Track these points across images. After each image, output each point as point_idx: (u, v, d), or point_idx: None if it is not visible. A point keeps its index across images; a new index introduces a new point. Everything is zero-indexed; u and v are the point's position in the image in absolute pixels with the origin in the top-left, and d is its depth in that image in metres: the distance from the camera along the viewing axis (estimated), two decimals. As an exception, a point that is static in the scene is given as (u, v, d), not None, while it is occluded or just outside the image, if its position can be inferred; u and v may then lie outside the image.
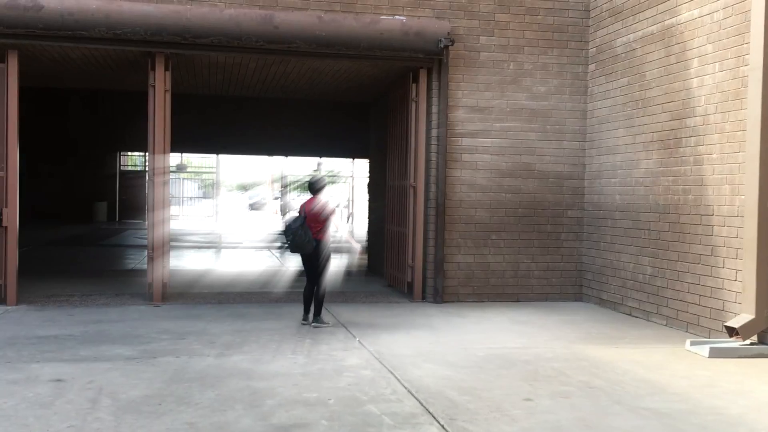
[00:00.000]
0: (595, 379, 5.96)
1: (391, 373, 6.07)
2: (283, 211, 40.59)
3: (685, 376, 6.16)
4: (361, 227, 30.16)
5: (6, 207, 9.14)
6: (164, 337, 7.43)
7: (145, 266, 14.74)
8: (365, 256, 14.50)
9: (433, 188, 10.13)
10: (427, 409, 5.05)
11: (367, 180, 14.67)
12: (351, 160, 37.68)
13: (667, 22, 8.69)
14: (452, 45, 9.81)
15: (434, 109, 10.12)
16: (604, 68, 10.03)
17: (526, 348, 7.19)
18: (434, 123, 10.12)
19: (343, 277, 12.91)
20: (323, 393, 5.43)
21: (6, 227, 9.15)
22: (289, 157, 38.71)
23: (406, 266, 10.45)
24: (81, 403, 5.11)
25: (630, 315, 9.24)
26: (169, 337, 7.40)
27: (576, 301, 10.44)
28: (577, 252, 10.51)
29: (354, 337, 7.59)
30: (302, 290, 8.50)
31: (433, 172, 10.13)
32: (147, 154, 9.81)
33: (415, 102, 10.26)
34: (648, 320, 8.88)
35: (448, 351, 6.97)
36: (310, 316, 8.31)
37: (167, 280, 9.77)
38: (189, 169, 42.67)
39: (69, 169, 30.38)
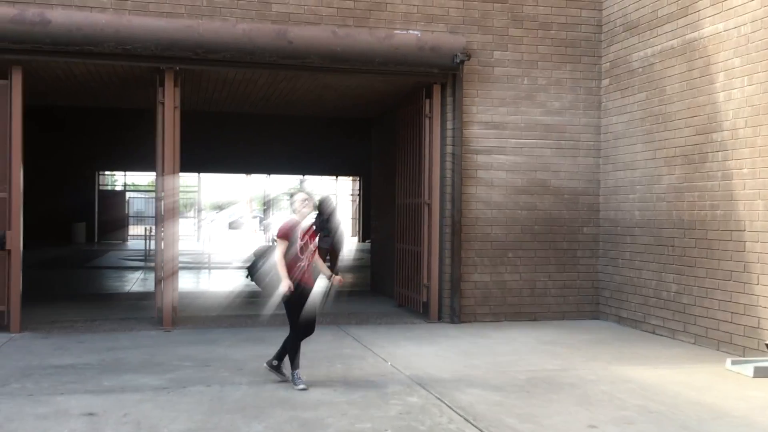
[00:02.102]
0: (650, 403, 5.75)
1: (439, 399, 5.81)
2: (266, 230, 40.20)
3: (739, 398, 5.99)
4: (349, 246, 29.88)
5: (9, 230, 8.76)
6: (186, 364, 7.11)
7: (141, 288, 14.44)
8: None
9: (448, 206, 9.93)
10: (492, 439, 4.82)
11: (372, 198, 14.38)
12: (334, 177, 37.47)
13: (688, 36, 8.60)
14: (468, 60, 9.65)
15: (449, 125, 9.93)
16: (619, 83, 9.93)
17: (566, 370, 6.98)
18: (449, 139, 9.93)
19: (346, 298, 12.64)
20: (377, 423, 5.17)
21: (9, 251, 8.76)
22: (271, 176, 38.37)
23: (420, 286, 10.21)
24: (123, 439, 4.80)
25: (653, 333, 9.08)
26: (192, 365, 7.08)
27: (593, 319, 10.27)
28: (594, 269, 10.35)
29: (385, 360, 7.32)
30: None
31: (448, 189, 9.93)
32: (156, 173, 9.48)
33: (429, 118, 10.06)
34: (673, 338, 8.73)
35: (487, 374, 6.73)
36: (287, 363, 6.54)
37: (177, 304, 9.43)
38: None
39: (46, 190, 29.81)
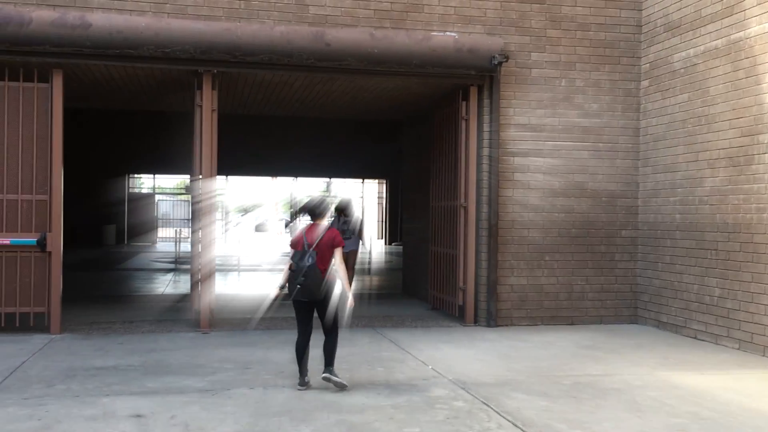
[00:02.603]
0: (703, 410, 5.64)
1: (485, 404, 5.75)
2: (292, 233, 40.38)
3: (793, 405, 5.86)
4: (375, 249, 29.89)
5: (50, 231, 8.83)
6: (227, 366, 7.10)
7: (174, 291, 14.50)
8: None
9: (485, 208, 9.85)
10: (545, 445, 4.74)
11: (404, 200, 14.32)
12: (361, 180, 37.47)
13: (733, 37, 8.46)
14: (506, 61, 9.58)
15: (486, 127, 9.86)
16: (659, 84, 9.79)
17: (610, 375, 6.88)
18: (485, 142, 9.86)
19: (378, 300, 12.61)
20: (425, 428, 5.11)
21: (50, 252, 8.83)
22: (297, 179, 38.50)
23: (455, 289, 10.13)
24: (173, 442, 4.79)
25: (695, 338, 8.93)
26: (233, 367, 7.07)
27: (631, 323, 10.13)
28: (632, 273, 10.22)
29: (425, 364, 7.27)
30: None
31: (484, 191, 9.85)
32: (192, 175, 9.50)
33: (466, 120, 10.00)
34: (717, 344, 8.58)
35: (530, 379, 6.65)
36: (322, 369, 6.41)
37: (214, 307, 9.44)
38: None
39: (78, 191, 30.13)
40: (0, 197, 8.73)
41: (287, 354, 7.66)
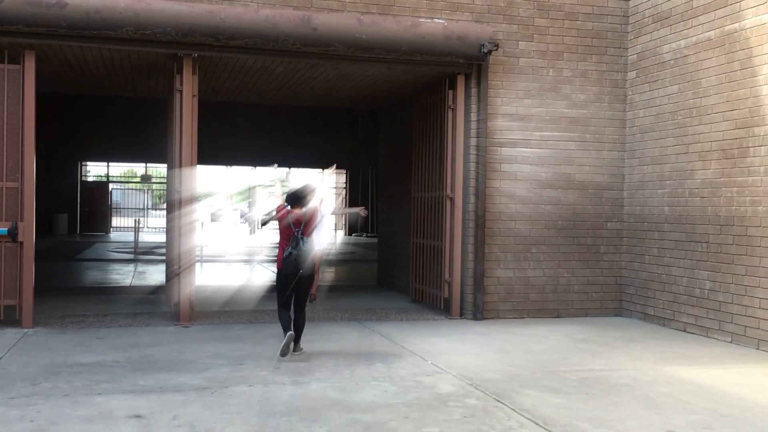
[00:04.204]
0: (719, 407, 5.54)
1: (499, 401, 5.56)
2: (249, 222, 39.71)
3: (805, 400, 5.81)
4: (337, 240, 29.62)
5: (22, 221, 8.38)
6: (219, 362, 6.79)
7: (142, 282, 14.03)
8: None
9: (472, 199, 9.67)
10: (575, 445, 4.57)
11: (380, 191, 14.07)
12: (321, 170, 37.09)
13: (727, 28, 8.41)
14: (496, 49, 9.39)
15: (473, 117, 9.67)
16: (647, 75, 9.73)
17: (614, 370, 6.76)
18: (473, 132, 9.67)
19: (354, 293, 12.38)
20: (444, 427, 4.90)
21: (21, 242, 8.38)
22: (255, 168, 37.92)
23: (441, 281, 9.94)
24: (182, 446, 4.49)
25: (684, 331, 8.90)
26: (225, 363, 6.76)
27: (616, 316, 10.08)
28: (617, 265, 10.16)
29: (424, 359, 7.05)
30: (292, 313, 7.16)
31: (472, 182, 9.67)
32: (169, 165, 9.12)
33: (452, 109, 9.79)
34: (707, 336, 8.55)
35: (535, 374, 6.49)
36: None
37: (193, 299, 9.09)
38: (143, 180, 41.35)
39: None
40: (-32, 184, 8.25)
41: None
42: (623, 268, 10.13)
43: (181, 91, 8.88)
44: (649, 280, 9.63)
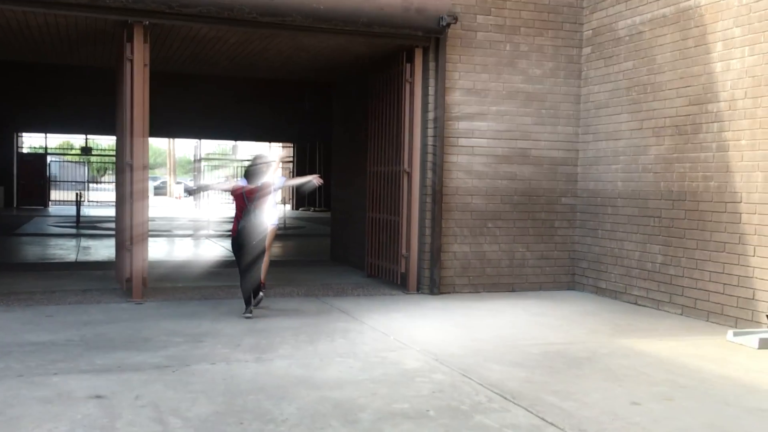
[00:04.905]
0: (678, 378, 5.66)
1: (465, 376, 5.57)
2: (195, 195, 39.00)
3: (763, 371, 5.95)
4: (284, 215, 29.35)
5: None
6: (177, 340, 6.64)
7: (87, 257, 13.69)
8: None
9: (429, 174, 9.64)
10: (545, 420, 4.59)
11: (333, 166, 13.92)
12: (267, 144, 36.63)
13: (682, 5, 8.50)
14: (455, 23, 9.32)
15: (431, 91, 9.61)
16: (602, 51, 9.79)
17: (573, 343, 6.84)
18: (430, 105, 9.62)
19: (308, 267, 12.29)
20: (414, 403, 4.88)
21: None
22: (200, 140, 37.23)
23: (397, 256, 9.92)
24: (148, 425, 4.36)
25: (635, 304, 9.08)
26: (183, 341, 6.62)
27: (569, 290, 10.22)
28: (571, 240, 10.28)
29: (386, 335, 7.03)
30: (243, 283, 7.94)
31: (429, 157, 9.63)
32: (118, 136, 8.84)
33: (410, 83, 9.71)
34: (658, 309, 8.73)
35: (498, 349, 6.52)
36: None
37: (147, 275, 8.88)
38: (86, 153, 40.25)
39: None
40: None
41: (238, 326, 7.33)
42: (576, 242, 10.26)
43: (131, 60, 8.58)
44: (602, 254, 9.77)
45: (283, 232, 19.75)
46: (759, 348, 6.76)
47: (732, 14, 7.88)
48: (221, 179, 37.63)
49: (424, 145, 9.69)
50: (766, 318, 7.14)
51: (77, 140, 45.43)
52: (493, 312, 8.40)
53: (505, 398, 5.02)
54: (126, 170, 8.75)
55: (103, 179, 53.46)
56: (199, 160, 37.96)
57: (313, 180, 8.67)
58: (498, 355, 6.26)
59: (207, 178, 39.44)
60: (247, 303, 7.81)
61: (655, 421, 4.62)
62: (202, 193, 9.13)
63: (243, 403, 4.82)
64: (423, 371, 5.69)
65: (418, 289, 9.73)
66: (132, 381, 5.28)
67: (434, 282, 9.61)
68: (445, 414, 4.66)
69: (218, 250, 15.37)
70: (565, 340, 7.00)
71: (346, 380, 5.41)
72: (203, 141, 38.22)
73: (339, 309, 8.32)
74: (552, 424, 4.52)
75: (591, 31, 10.01)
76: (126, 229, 8.80)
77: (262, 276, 8.86)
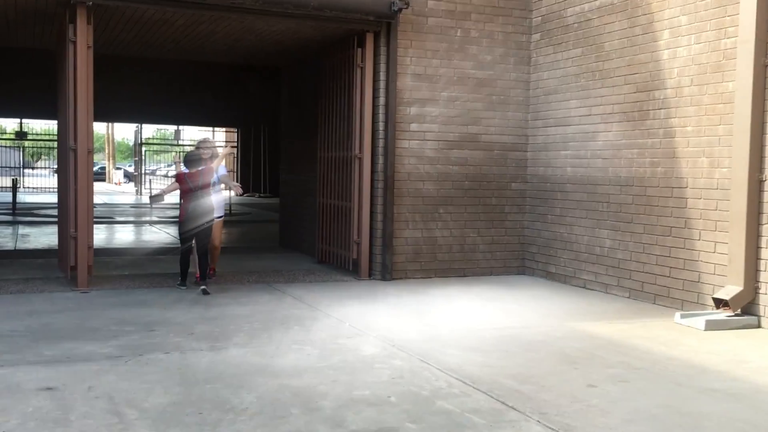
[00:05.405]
0: (633, 360, 5.76)
1: (424, 362, 5.57)
2: (134, 181, 38.25)
3: (708, 352, 6.11)
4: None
5: None
6: (128, 329, 6.49)
7: (27, 245, 13.28)
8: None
9: (380, 160, 9.61)
10: (505, 404, 4.62)
11: (282, 151, 13.77)
12: (210, 129, 36.10)
13: (631, -7, 8.62)
14: (406, 8, 9.28)
15: (381, 76, 9.57)
16: (551, 38, 9.88)
17: (527, 327, 6.92)
18: (381, 91, 9.58)
19: (258, 254, 12.17)
20: (375, 389, 4.86)
21: None
22: (141, 125, 36.50)
23: (349, 242, 9.89)
24: (104, 417, 4.25)
25: (585, 288, 9.22)
26: (134, 330, 6.48)
27: (519, 274, 10.34)
28: (520, 225, 10.39)
29: (341, 321, 6.99)
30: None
31: (380, 142, 9.61)
32: (60, 119, 8.56)
33: (361, 68, 9.64)
34: (607, 293, 8.89)
35: (453, 334, 6.55)
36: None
37: (92, 263, 8.65)
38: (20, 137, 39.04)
39: None
40: None
41: (188, 314, 7.21)
42: (526, 227, 10.36)
43: (74, 42, 8.32)
44: (551, 239, 9.90)
45: (229, 218, 19.49)
46: (705, 329, 6.93)
47: (679, 2, 8.02)
48: (169, 167, 37.00)
49: (375, 130, 9.65)
50: (713, 300, 7.33)
51: (10, 124, 44.11)
52: (446, 297, 8.44)
53: (465, 383, 5.04)
54: (69, 155, 8.50)
55: (37, 164, 52.00)
56: (141, 145, 37.23)
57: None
58: (454, 340, 6.28)
59: (148, 163, 38.63)
60: (183, 277, 8.55)
61: (612, 403, 4.70)
62: (158, 201, 9.01)
63: (201, 393, 4.73)
64: (381, 357, 5.68)
65: (370, 275, 9.72)
66: (83, 372, 5.14)
67: (386, 268, 9.60)
68: (406, 400, 4.65)
69: (162, 236, 15.09)
70: (519, 324, 7.07)
71: (305, 368, 5.36)
72: (144, 126, 37.47)
73: (291, 296, 8.25)
74: (513, 408, 4.55)
75: (540, 18, 10.09)
76: (70, 215, 8.55)
77: (213, 263, 8.87)
